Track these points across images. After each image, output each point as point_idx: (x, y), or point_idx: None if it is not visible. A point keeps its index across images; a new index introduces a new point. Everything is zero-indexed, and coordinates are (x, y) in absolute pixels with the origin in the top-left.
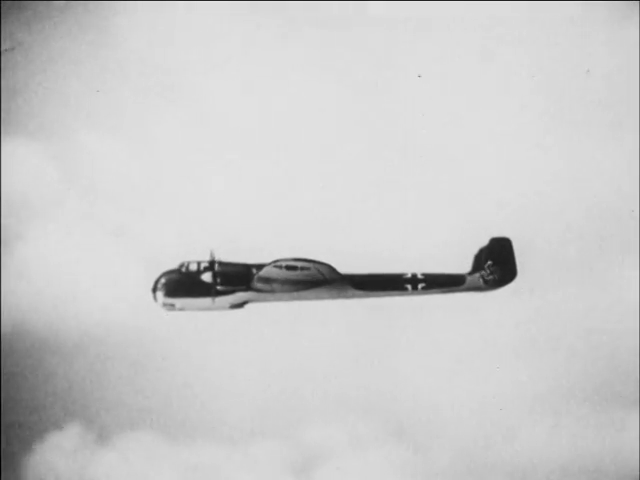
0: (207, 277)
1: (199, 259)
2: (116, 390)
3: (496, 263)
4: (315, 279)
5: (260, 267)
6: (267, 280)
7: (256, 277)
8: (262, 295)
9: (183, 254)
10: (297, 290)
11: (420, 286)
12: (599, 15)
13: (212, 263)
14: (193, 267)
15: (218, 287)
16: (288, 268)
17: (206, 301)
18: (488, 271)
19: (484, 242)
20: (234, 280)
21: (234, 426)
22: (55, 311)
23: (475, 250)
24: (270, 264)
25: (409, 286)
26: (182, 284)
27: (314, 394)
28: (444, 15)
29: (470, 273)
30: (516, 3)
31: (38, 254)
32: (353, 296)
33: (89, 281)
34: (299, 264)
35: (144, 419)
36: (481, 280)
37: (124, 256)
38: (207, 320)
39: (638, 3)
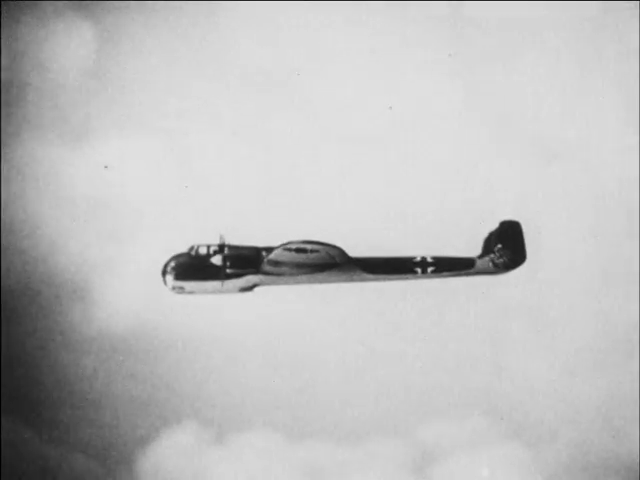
0: (217, 260)
1: (209, 242)
2: (234, 389)
3: (506, 246)
4: (325, 262)
5: (270, 250)
6: (276, 263)
7: (266, 260)
8: (271, 278)
9: (193, 237)
10: (306, 273)
11: (430, 269)
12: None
13: (221, 246)
14: (203, 250)
15: (227, 270)
16: (298, 251)
17: (215, 284)
18: (498, 254)
19: (494, 225)
20: (243, 263)
21: (350, 424)
22: (174, 310)
23: (485, 233)
24: (280, 247)
25: (419, 269)
26: (192, 267)
27: (431, 391)
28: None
29: (480, 256)
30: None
31: (151, 252)
32: (362, 279)
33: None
34: (309, 247)
35: (261, 418)
36: (491, 263)
37: None
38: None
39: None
